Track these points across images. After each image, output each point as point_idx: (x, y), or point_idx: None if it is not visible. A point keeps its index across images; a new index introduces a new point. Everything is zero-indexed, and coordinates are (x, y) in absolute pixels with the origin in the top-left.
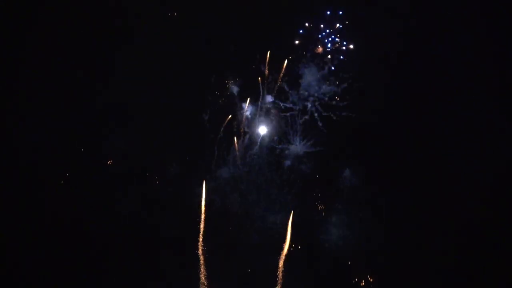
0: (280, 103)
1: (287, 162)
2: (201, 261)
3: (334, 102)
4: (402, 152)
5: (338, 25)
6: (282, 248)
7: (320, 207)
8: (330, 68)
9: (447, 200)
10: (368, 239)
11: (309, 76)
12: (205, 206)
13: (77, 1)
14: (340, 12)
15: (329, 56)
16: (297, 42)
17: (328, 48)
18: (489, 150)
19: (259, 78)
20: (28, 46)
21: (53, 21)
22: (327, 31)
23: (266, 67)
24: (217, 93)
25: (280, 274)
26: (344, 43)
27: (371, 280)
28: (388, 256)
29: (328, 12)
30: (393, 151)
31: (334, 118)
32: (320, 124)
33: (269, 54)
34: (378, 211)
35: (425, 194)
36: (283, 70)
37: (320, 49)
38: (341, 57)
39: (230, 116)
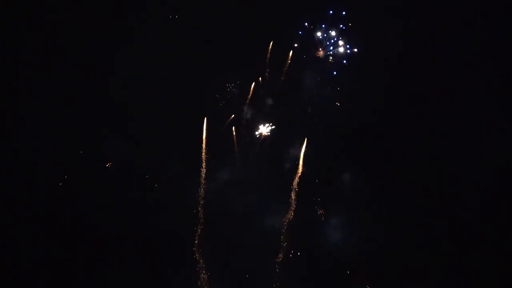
0: (280, 105)
1: (287, 164)
2: (201, 262)
3: (334, 105)
4: (402, 153)
5: (341, 26)
6: (281, 249)
7: (320, 208)
8: (331, 72)
9: (447, 201)
10: (368, 241)
11: (310, 79)
12: (205, 207)
13: (77, 1)
14: (343, 13)
15: (331, 59)
16: (296, 45)
17: (330, 52)
18: (489, 150)
19: (260, 79)
20: (28, 46)
21: (53, 21)
22: (330, 32)
23: (267, 66)
24: (218, 96)
25: (280, 276)
26: (348, 46)
27: (371, 281)
28: (388, 258)
29: (331, 12)
30: (393, 152)
31: (334, 120)
32: (320, 126)
33: (271, 49)
34: (378, 212)
35: (425, 195)
36: (285, 71)
37: (321, 52)
38: (344, 61)
39: (230, 117)
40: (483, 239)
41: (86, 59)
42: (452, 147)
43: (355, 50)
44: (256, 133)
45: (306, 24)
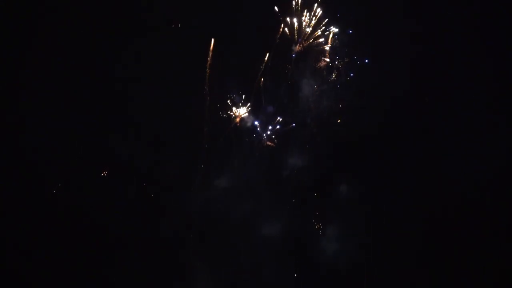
0: (280, 114)
1: (285, 174)
2: (196, 270)
3: (333, 119)
4: (402, 161)
5: (349, 31)
6: (278, 259)
7: (318, 218)
8: (334, 84)
9: (447, 209)
10: (367, 252)
11: (310, 90)
12: (202, 214)
13: (78, 1)
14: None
15: (335, 70)
16: (297, 49)
17: (335, 62)
18: (489, 150)
19: (261, 83)
20: (28, 46)
21: (53, 21)
22: (336, 39)
23: (267, 74)
24: (218, 105)
25: (277, 285)
26: (355, 58)
27: None
28: (388, 268)
29: (338, 15)
30: (392, 161)
31: (333, 131)
32: (318, 139)
33: (271, 56)
34: (377, 224)
35: (425, 204)
36: (286, 80)
37: (323, 62)
38: (351, 74)
39: (230, 124)
40: (485, 245)
41: (87, 59)
42: (452, 154)
43: (366, 61)
44: (256, 141)
45: (308, 28)
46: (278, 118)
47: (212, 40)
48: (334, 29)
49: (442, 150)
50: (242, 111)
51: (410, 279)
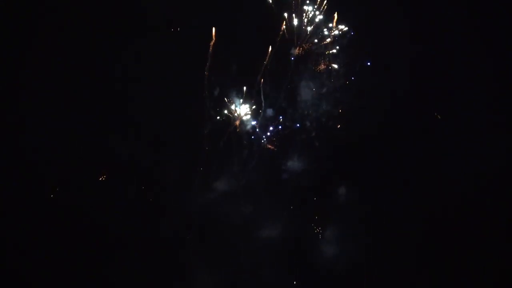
0: (280, 117)
1: (285, 176)
2: (196, 270)
3: (331, 123)
4: (402, 161)
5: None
6: (278, 259)
7: (318, 219)
8: (334, 87)
9: (448, 210)
10: (367, 255)
11: (308, 94)
12: (202, 214)
13: (78, 1)
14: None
15: (335, 72)
16: (294, 57)
17: (335, 65)
18: (489, 150)
19: (261, 87)
20: (28, 46)
21: (53, 21)
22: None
23: (266, 77)
24: (218, 108)
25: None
26: (355, 59)
27: None
28: (387, 268)
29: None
30: (392, 161)
31: (332, 134)
32: (317, 141)
33: (270, 58)
34: (377, 224)
35: (426, 204)
36: (285, 82)
37: (323, 65)
38: (352, 77)
39: (230, 128)
40: (485, 245)
41: (87, 59)
42: (452, 154)
43: (369, 64)
44: (256, 145)
45: (309, 27)
46: (280, 118)
47: (213, 29)
48: (334, 31)
49: (442, 150)
50: (242, 112)
51: (410, 279)
